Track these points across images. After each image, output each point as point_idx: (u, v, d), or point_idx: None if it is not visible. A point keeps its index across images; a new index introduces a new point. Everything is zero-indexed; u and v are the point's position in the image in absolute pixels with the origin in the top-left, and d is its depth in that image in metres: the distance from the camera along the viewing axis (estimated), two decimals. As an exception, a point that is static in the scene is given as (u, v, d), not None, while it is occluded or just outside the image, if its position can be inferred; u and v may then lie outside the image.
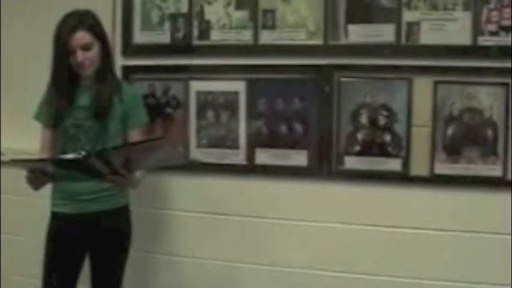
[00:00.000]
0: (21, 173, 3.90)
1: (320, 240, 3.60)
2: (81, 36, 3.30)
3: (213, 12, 3.69)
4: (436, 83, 3.37)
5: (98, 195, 3.43)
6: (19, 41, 4.23)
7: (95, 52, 3.34)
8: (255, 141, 3.66)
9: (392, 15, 3.41)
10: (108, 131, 3.38)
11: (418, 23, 3.38)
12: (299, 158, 3.60)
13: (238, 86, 3.63)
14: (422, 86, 3.39)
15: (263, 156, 3.66)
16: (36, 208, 3.92)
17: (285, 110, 3.60)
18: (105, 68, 3.41)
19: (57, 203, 3.49)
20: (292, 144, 3.61)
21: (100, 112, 3.36)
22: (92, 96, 3.38)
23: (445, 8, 3.34)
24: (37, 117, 3.52)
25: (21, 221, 4.27)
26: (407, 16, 3.39)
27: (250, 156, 3.67)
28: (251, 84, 3.64)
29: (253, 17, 3.62)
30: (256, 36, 3.63)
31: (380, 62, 3.44)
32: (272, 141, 3.64)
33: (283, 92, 3.59)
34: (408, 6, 3.39)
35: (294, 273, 3.66)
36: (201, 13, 3.71)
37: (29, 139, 3.85)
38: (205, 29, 3.71)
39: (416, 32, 3.38)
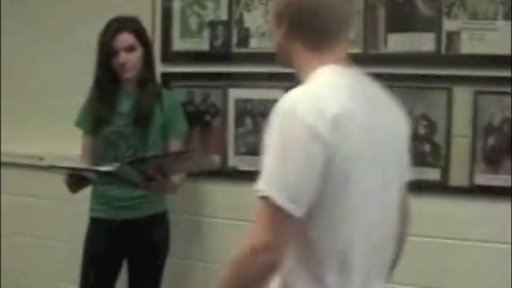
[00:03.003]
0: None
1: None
2: (125, 38, 3.48)
3: (253, 20, 3.80)
4: (476, 93, 3.42)
5: (136, 201, 3.55)
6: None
7: (137, 56, 3.49)
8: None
9: (432, 24, 3.48)
10: (148, 138, 3.50)
11: (458, 32, 3.44)
12: (337, 167, 3.66)
13: (277, 94, 3.64)
14: (462, 96, 3.45)
15: (301, 165, 3.72)
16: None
17: (324, 118, 3.67)
18: (147, 75, 3.55)
19: (96, 208, 3.62)
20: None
21: (141, 120, 3.48)
22: (133, 103, 3.51)
23: (486, 18, 3.40)
24: (78, 124, 3.65)
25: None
26: (448, 25, 3.46)
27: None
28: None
29: (293, 25, 3.70)
30: (295, 44, 3.70)
31: (420, 71, 3.51)
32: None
33: (322, 100, 3.66)
34: (448, 15, 3.45)
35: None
36: (241, 20, 3.82)
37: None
38: (244, 37, 3.82)
39: (457, 41, 3.45)
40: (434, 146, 3.51)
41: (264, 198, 1.91)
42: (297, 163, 1.90)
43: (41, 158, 4.21)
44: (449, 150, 3.49)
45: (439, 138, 3.50)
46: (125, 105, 3.54)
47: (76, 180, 3.37)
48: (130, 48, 3.48)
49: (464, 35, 3.44)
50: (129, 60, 3.48)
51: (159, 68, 3.98)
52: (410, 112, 3.48)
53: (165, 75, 3.99)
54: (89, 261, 3.65)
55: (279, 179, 1.91)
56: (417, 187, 3.48)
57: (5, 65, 4.47)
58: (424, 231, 3.53)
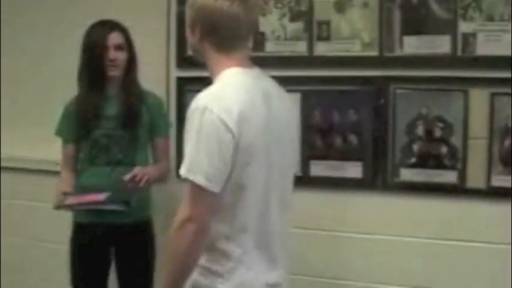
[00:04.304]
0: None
1: (374, 252, 3.74)
2: (116, 37, 3.65)
3: (268, 24, 3.86)
4: (493, 94, 3.46)
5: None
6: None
7: (124, 56, 3.66)
8: (310, 153, 3.81)
9: (448, 27, 3.53)
10: (138, 139, 3.65)
11: (474, 34, 3.48)
12: (354, 170, 3.74)
13: (293, 98, 3.66)
14: (479, 98, 3.49)
15: (318, 168, 3.81)
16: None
17: (340, 121, 3.74)
18: (130, 77, 3.71)
19: (82, 213, 3.67)
20: (347, 156, 3.75)
21: (130, 121, 3.64)
22: (118, 106, 3.62)
23: (502, 19, 3.44)
24: (59, 133, 3.76)
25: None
26: (463, 27, 3.50)
27: (305, 168, 3.82)
28: (306, 96, 3.80)
29: (308, 29, 3.78)
30: (311, 47, 3.79)
31: (436, 73, 3.55)
32: (327, 153, 3.79)
33: (338, 103, 3.74)
34: (464, 17, 3.49)
35: (349, 285, 3.80)
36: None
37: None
38: (260, 41, 3.87)
39: (472, 43, 3.48)
40: (451, 148, 3.55)
41: (187, 180, 2.37)
42: (212, 150, 2.35)
43: (58, 164, 4.28)
44: (466, 153, 3.53)
45: (455, 140, 3.54)
46: (111, 107, 3.65)
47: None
48: (119, 47, 3.64)
49: (480, 37, 3.47)
50: (118, 57, 3.61)
51: (175, 73, 4.06)
52: (426, 114, 3.55)
53: (180, 79, 4.07)
54: (77, 267, 3.74)
55: (198, 163, 2.35)
56: (434, 189, 3.57)
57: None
58: (440, 233, 3.59)
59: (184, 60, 4.04)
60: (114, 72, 3.62)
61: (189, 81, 4.00)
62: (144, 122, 3.69)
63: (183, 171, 2.38)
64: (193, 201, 2.38)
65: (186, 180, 2.38)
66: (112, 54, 3.60)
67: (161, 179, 3.77)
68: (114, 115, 3.64)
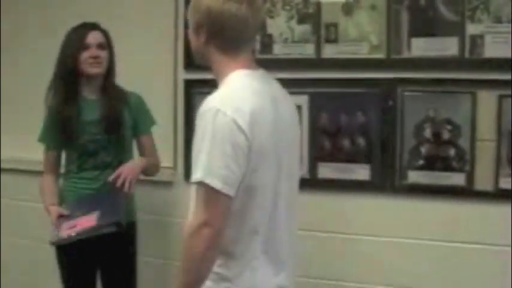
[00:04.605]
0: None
1: (383, 254, 3.74)
2: (98, 36, 3.67)
3: (276, 26, 3.87)
4: (501, 96, 3.46)
5: None
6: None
7: (106, 55, 3.66)
8: (318, 155, 3.82)
9: (455, 28, 3.53)
10: (124, 141, 3.70)
11: (481, 36, 3.49)
12: (362, 172, 3.75)
13: (301, 100, 3.77)
14: (487, 100, 3.49)
15: (326, 170, 3.82)
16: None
17: (348, 124, 3.75)
18: (110, 80, 3.72)
19: None
20: (355, 158, 3.76)
21: (113, 126, 3.65)
22: (100, 110, 3.66)
23: (509, 21, 3.43)
24: (42, 139, 3.78)
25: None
26: (471, 29, 3.50)
27: (313, 170, 3.83)
28: (314, 98, 3.81)
29: (316, 31, 3.79)
30: (318, 50, 3.80)
31: (443, 75, 3.55)
32: (335, 155, 3.80)
33: (346, 106, 3.75)
34: (472, 19, 3.50)
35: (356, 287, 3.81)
36: (263, 27, 3.87)
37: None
38: (267, 43, 3.89)
39: (480, 45, 3.49)
40: (459, 151, 3.55)
41: (202, 184, 2.32)
42: (227, 152, 2.31)
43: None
44: (474, 155, 3.53)
45: (463, 142, 3.54)
46: (92, 112, 3.65)
47: None
48: (101, 46, 3.65)
49: (487, 39, 3.47)
50: (100, 55, 3.63)
51: (183, 75, 4.07)
52: (434, 116, 3.56)
53: (188, 82, 4.08)
54: (66, 273, 3.75)
55: (213, 166, 2.31)
56: (442, 192, 3.58)
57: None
58: (448, 236, 3.59)
59: (191, 63, 4.00)
60: (98, 69, 3.63)
61: (196, 83, 4.01)
62: (128, 123, 3.71)
63: (197, 175, 2.33)
64: (208, 205, 2.33)
65: (199, 184, 2.33)
66: (94, 51, 3.60)
67: (150, 173, 3.81)
68: (97, 120, 3.64)
